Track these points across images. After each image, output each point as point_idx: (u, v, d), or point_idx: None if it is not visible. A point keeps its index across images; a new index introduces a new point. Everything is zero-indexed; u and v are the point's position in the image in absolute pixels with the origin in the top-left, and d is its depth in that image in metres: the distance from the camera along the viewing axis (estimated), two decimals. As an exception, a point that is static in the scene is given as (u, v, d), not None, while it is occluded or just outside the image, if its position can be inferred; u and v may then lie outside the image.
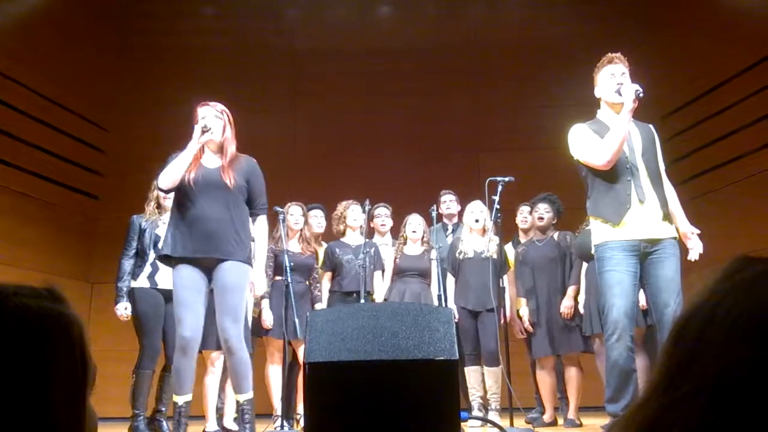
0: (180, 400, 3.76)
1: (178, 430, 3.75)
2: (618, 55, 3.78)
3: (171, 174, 3.71)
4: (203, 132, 3.76)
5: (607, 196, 3.63)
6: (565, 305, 5.26)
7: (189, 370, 3.74)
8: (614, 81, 3.70)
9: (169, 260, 3.78)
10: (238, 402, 3.87)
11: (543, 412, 5.57)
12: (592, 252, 3.76)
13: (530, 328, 5.40)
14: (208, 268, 3.74)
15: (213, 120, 3.87)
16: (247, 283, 3.83)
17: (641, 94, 3.53)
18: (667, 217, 3.61)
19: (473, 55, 8.91)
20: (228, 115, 3.96)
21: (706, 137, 7.66)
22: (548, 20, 8.95)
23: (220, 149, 3.91)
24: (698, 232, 3.70)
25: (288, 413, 5.22)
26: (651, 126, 3.85)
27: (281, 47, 8.99)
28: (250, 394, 3.82)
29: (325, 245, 5.79)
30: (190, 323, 3.67)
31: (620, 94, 3.61)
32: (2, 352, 0.73)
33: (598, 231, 3.67)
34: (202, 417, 4.91)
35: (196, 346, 3.76)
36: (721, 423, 0.67)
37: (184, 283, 3.72)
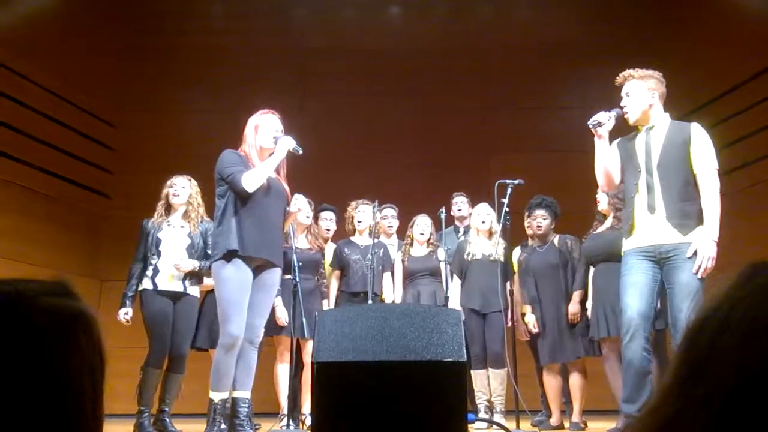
0: (216, 397, 3.82)
1: (212, 427, 3.80)
2: (624, 74, 3.77)
3: (259, 180, 3.85)
4: (295, 152, 4.01)
5: (623, 211, 3.80)
6: (572, 311, 5.25)
7: (231, 368, 3.82)
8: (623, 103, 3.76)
9: (228, 254, 3.78)
10: (243, 399, 3.88)
11: (549, 416, 5.56)
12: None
13: (534, 332, 5.39)
14: (256, 268, 3.86)
15: (280, 131, 4.08)
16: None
17: (596, 124, 3.64)
18: (683, 227, 3.50)
19: (482, 56, 8.89)
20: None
21: (716, 143, 7.62)
22: (557, 22, 8.93)
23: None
24: (710, 239, 3.44)
25: (294, 412, 5.22)
26: (693, 125, 3.72)
27: (289, 47, 8.99)
28: (249, 393, 3.95)
29: (333, 244, 5.81)
30: (238, 322, 3.77)
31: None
32: (35, 352, 0.75)
33: (623, 243, 3.75)
34: (192, 415, 4.97)
35: (240, 344, 3.84)
36: (735, 427, 0.68)
37: (239, 282, 3.79)
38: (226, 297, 3.79)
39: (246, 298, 3.81)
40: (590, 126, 3.65)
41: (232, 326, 3.76)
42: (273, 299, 4.08)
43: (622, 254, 3.74)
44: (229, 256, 3.77)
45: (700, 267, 3.40)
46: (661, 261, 3.54)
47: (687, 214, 3.52)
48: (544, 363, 5.38)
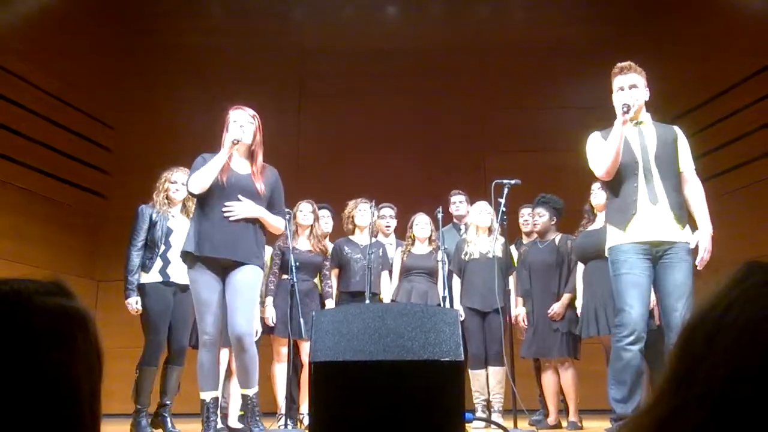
0: (207, 396, 3.85)
1: (207, 426, 3.82)
2: (627, 64, 3.78)
3: (202, 180, 3.78)
4: (233, 144, 3.85)
5: (615, 202, 3.72)
6: (555, 310, 5.26)
7: (214, 365, 3.87)
8: (622, 94, 3.74)
9: (187, 256, 3.84)
10: (246, 396, 3.91)
11: (547, 415, 5.56)
12: (606, 254, 3.79)
13: (522, 325, 5.42)
14: (224, 268, 3.83)
15: (246, 125, 3.97)
16: (259, 284, 3.99)
17: (628, 107, 3.59)
18: (681, 220, 3.60)
19: (479, 55, 8.89)
20: (258, 121, 4.05)
21: (711, 144, 7.64)
22: (554, 22, 8.94)
23: (249, 154, 4.01)
24: (709, 233, 3.63)
25: (291, 412, 5.22)
26: (675, 127, 3.85)
27: (288, 47, 8.99)
28: (256, 388, 3.92)
29: (331, 244, 5.81)
30: (212, 321, 3.79)
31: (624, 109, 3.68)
32: (32, 352, 0.75)
33: (610, 234, 3.73)
34: (192, 415, 4.99)
35: (218, 342, 3.87)
36: (730, 426, 0.68)
37: (203, 283, 3.81)
38: (195, 298, 3.85)
39: (214, 297, 3.80)
40: (623, 109, 3.59)
41: (204, 325, 3.80)
42: (252, 297, 3.91)
43: (613, 244, 3.69)
44: (189, 257, 3.82)
45: (702, 259, 3.56)
46: (656, 259, 3.57)
47: (682, 205, 3.65)
48: (527, 355, 5.43)
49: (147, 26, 8.86)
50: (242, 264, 3.82)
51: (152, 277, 4.74)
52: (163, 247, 4.77)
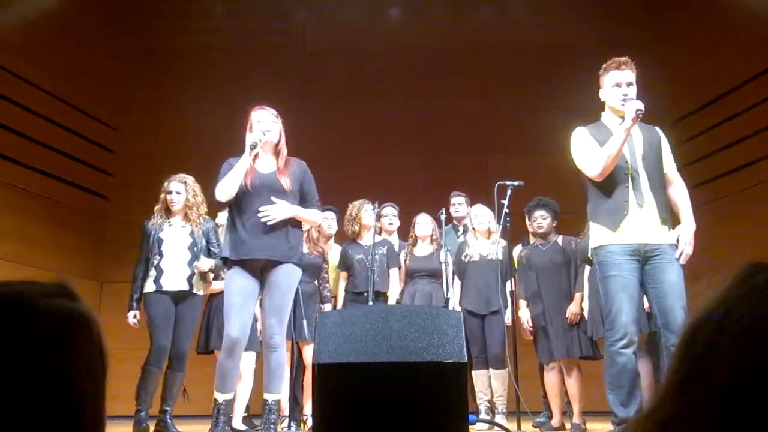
0: (221, 397, 3.87)
1: (216, 427, 3.85)
2: (625, 59, 3.76)
3: (227, 187, 3.83)
4: (252, 149, 3.87)
5: (605, 203, 3.66)
6: (572, 311, 5.25)
7: (233, 369, 3.89)
8: (619, 91, 3.71)
9: (226, 262, 3.90)
10: (266, 401, 3.94)
11: (550, 416, 5.56)
12: (590, 254, 3.78)
13: (530, 329, 5.40)
14: (260, 268, 3.87)
15: (271, 125, 4.00)
16: (296, 284, 4.00)
17: (641, 114, 3.55)
18: (666, 222, 3.60)
19: (482, 56, 8.89)
20: (282, 120, 4.09)
21: (717, 143, 7.63)
22: (557, 23, 8.93)
23: (275, 153, 4.04)
24: (692, 229, 3.60)
25: (295, 414, 5.22)
26: (657, 128, 3.83)
27: (290, 48, 8.99)
28: (279, 395, 3.96)
29: (333, 246, 5.80)
30: (237, 324, 3.79)
31: (623, 105, 3.64)
32: (36, 354, 0.75)
33: (596, 234, 3.69)
34: (195, 416, 4.94)
35: (243, 346, 3.89)
36: (733, 427, 0.68)
37: (236, 286, 3.84)
38: (226, 300, 3.89)
39: (245, 302, 3.83)
40: (637, 114, 3.53)
41: (228, 328, 3.81)
42: (287, 297, 3.94)
43: (600, 244, 3.65)
44: (228, 262, 3.87)
45: (684, 253, 3.54)
46: (644, 259, 3.56)
47: (667, 207, 3.64)
48: (545, 360, 5.39)
49: (148, 27, 8.87)
50: (279, 263, 3.86)
51: (148, 287, 4.85)
52: (157, 258, 4.85)
